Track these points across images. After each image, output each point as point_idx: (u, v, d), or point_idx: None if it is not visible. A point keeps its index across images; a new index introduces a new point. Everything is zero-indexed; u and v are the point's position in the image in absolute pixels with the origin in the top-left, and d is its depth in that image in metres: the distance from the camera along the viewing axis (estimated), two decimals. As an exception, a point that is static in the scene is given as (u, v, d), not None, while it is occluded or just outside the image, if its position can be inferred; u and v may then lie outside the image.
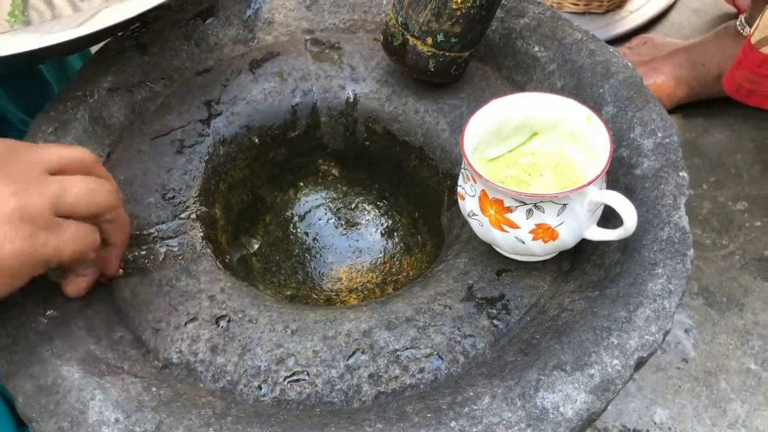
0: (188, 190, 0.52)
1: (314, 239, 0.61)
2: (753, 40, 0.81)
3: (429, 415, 0.38)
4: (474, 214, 0.43)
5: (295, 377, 0.41)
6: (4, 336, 0.42)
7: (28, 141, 0.52)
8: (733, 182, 0.92)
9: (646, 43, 1.05)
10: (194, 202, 0.51)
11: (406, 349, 0.42)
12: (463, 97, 0.56)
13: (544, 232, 0.42)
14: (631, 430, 0.72)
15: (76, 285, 0.44)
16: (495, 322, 0.43)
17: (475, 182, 0.42)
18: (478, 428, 0.37)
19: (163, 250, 0.48)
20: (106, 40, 0.59)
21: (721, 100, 0.96)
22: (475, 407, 0.38)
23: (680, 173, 0.46)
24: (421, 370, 0.41)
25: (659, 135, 0.48)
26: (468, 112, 0.53)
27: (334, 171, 0.63)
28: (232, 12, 0.61)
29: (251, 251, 0.58)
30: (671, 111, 0.99)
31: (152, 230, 0.49)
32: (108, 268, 0.45)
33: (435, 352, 0.42)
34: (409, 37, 0.52)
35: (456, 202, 0.47)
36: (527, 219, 0.41)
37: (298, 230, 0.61)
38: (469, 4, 0.49)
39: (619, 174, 0.48)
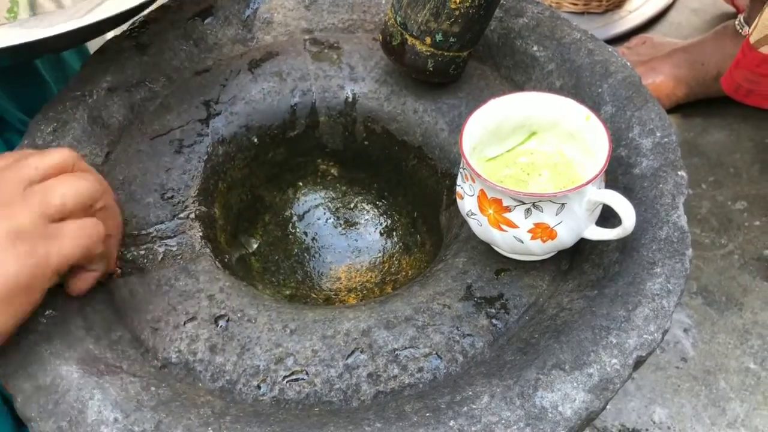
0: (187, 189, 0.52)
1: (313, 239, 0.61)
2: (752, 40, 0.81)
3: (428, 414, 0.38)
4: (473, 214, 0.43)
5: (294, 377, 0.41)
6: (3, 336, 0.42)
7: (27, 141, 0.52)
8: (732, 182, 0.92)
9: (645, 43, 1.05)
10: (193, 202, 0.51)
11: (405, 348, 0.42)
12: (462, 97, 0.56)
13: (542, 231, 0.42)
14: (630, 429, 0.72)
15: (83, 280, 0.43)
16: (494, 321, 0.43)
17: (474, 182, 0.42)
18: (477, 427, 0.37)
19: (161, 249, 0.48)
20: (106, 39, 0.59)
21: (720, 99, 0.96)
22: (474, 406, 0.38)
23: (679, 172, 0.46)
24: (420, 370, 0.41)
25: (658, 134, 0.48)
26: (467, 111, 0.53)
27: (333, 171, 0.63)
28: (231, 12, 0.61)
29: (250, 251, 0.58)
30: (670, 110, 0.99)
31: (151, 230, 0.49)
32: (108, 261, 0.45)
33: (434, 352, 0.42)
34: (407, 36, 0.52)
35: (455, 201, 0.47)
36: (526, 218, 0.41)
37: (297, 230, 0.61)
38: (467, 4, 0.50)
39: (617, 173, 0.48)
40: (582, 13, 1.13)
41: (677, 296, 0.41)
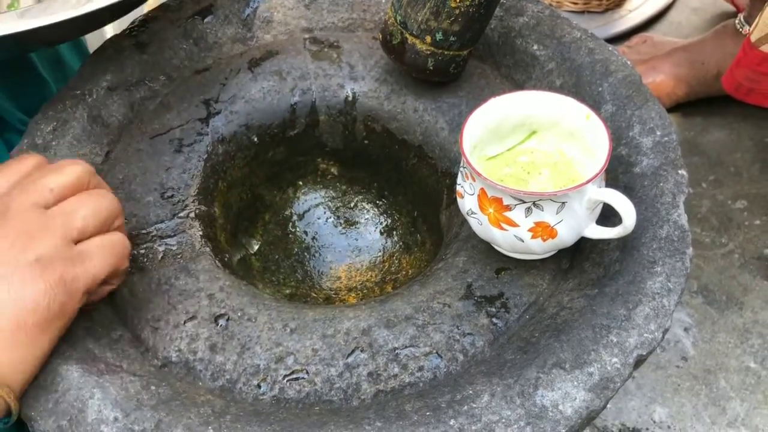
0: (187, 188, 0.52)
1: (313, 238, 0.61)
2: (752, 39, 0.81)
3: (428, 413, 0.38)
4: (473, 213, 0.43)
5: (294, 376, 0.41)
6: (3, 335, 0.42)
7: (27, 140, 0.52)
8: (732, 181, 0.92)
9: (645, 42, 1.05)
10: (193, 201, 0.51)
11: (405, 347, 0.42)
12: (462, 96, 0.56)
13: (543, 230, 0.42)
14: (631, 428, 0.72)
15: (98, 294, 0.43)
16: (494, 320, 0.43)
17: (474, 180, 0.42)
18: (477, 426, 0.37)
19: (161, 248, 0.48)
20: (106, 38, 0.59)
21: (720, 98, 0.96)
22: (475, 405, 0.38)
23: (679, 171, 0.46)
24: (420, 369, 0.41)
25: (658, 133, 0.48)
26: (467, 110, 0.53)
27: (333, 170, 0.63)
28: (231, 11, 0.61)
29: (251, 252, 0.58)
30: (670, 110, 0.99)
31: (151, 229, 0.49)
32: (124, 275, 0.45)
33: (434, 351, 0.42)
34: (407, 35, 0.52)
35: (455, 200, 0.47)
36: (526, 217, 0.41)
37: (297, 229, 0.61)
38: (467, 3, 0.49)
39: (618, 172, 0.48)
40: (582, 12, 1.13)
41: (678, 295, 0.41)
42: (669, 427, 0.72)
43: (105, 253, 0.40)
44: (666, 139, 0.48)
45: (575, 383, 0.38)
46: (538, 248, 0.43)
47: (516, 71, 0.57)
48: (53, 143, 0.52)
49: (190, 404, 0.39)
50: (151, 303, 0.45)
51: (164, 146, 0.54)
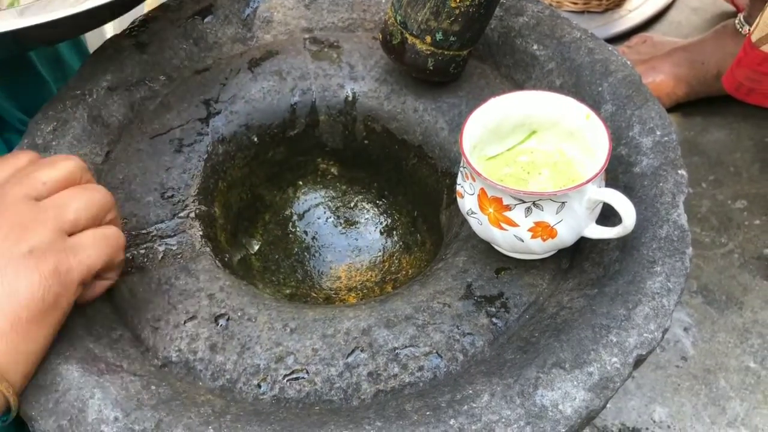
0: (187, 188, 0.52)
1: (313, 238, 0.61)
2: (753, 39, 0.81)
3: (428, 413, 0.38)
4: (473, 213, 0.43)
5: (294, 375, 0.41)
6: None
7: (27, 140, 0.52)
8: (732, 181, 0.92)
9: (645, 42, 1.05)
10: (193, 201, 0.51)
11: (405, 347, 0.42)
12: (462, 96, 0.56)
13: (543, 230, 0.42)
14: (631, 428, 0.72)
15: (95, 290, 0.43)
16: (494, 320, 0.43)
17: (474, 180, 0.42)
18: (477, 426, 0.37)
19: (162, 248, 0.48)
20: (106, 38, 0.59)
21: (720, 98, 0.96)
22: (474, 405, 0.38)
23: (679, 171, 0.46)
24: (420, 368, 0.41)
25: (658, 133, 0.48)
26: (467, 110, 0.53)
27: (333, 170, 0.63)
28: (231, 11, 0.61)
29: (252, 252, 0.58)
30: (670, 109, 1.00)
31: (151, 229, 0.49)
32: (119, 269, 0.45)
33: (434, 351, 0.42)
34: (407, 35, 0.52)
35: (455, 200, 0.47)
36: (526, 217, 0.41)
37: (298, 229, 0.61)
38: (467, 3, 0.49)
39: (618, 172, 0.48)
40: (582, 12, 1.13)
41: (677, 295, 0.41)
42: (669, 426, 0.72)
43: (98, 244, 0.40)
44: (666, 139, 0.48)
45: (575, 383, 0.38)
46: (538, 248, 0.43)
47: (516, 71, 0.57)
48: (53, 143, 0.52)
49: (190, 404, 0.39)
50: (151, 303, 0.45)
51: (164, 146, 0.54)
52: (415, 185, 0.59)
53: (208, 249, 0.49)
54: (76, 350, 0.41)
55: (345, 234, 0.62)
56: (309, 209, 0.62)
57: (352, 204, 0.63)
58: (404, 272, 0.58)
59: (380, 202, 0.63)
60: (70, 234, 0.40)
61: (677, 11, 1.16)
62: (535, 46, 0.55)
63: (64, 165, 0.41)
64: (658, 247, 0.43)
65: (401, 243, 0.61)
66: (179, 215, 0.50)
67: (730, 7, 1.11)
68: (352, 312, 0.44)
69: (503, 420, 0.37)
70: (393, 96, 0.57)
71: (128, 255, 0.48)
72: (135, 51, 0.58)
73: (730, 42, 0.94)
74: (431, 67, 0.53)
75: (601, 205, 0.43)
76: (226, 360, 0.42)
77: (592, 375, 0.38)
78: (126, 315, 0.45)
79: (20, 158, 0.43)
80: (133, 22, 0.60)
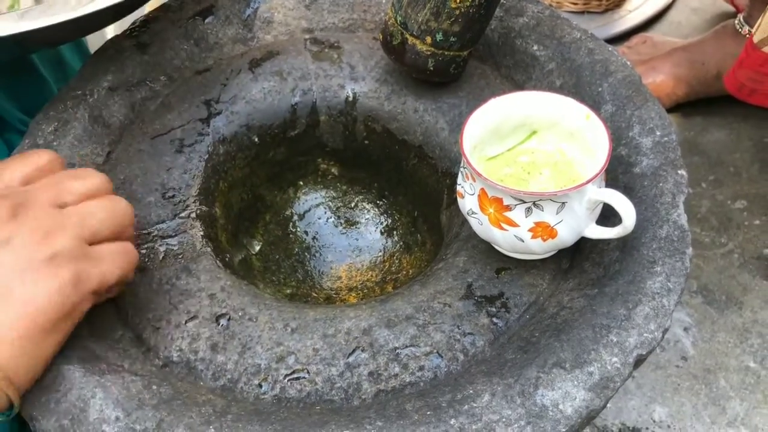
0: (188, 189, 0.52)
1: (314, 238, 0.61)
2: (755, 40, 0.81)
3: (429, 412, 0.38)
4: (473, 213, 0.43)
5: (295, 375, 0.41)
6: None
7: (28, 140, 0.52)
8: (732, 181, 0.92)
9: (645, 42, 1.05)
10: (194, 201, 0.51)
11: (406, 347, 0.42)
12: (462, 96, 0.56)
13: (543, 230, 0.42)
14: (631, 428, 0.73)
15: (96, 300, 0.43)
16: (494, 320, 0.43)
17: (475, 181, 0.42)
18: (478, 426, 0.37)
19: (163, 248, 0.48)
20: (107, 39, 0.59)
21: (720, 98, 0.96)
22: (475, 405, 0.38)
23: (679, 171, 0.46)
24: (421, 368, 0.41)
25: (658, 133, 0.48)
26: (467, 110, 0.53)
27: (333, 170, 0.63)
28: (232, 11, 0.61)
29: (253, 252, 0.58)
30: (670, 110, 1.00)
31: (152, 229, 0.49)
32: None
33: (435, 350, 0.42)
34: (408, 36, 0.52)
35: (455, 200, 0.47)
36: (526, 217, 0.41)
37: (298, 229, 0.62)
38: (468, 3, 0.50)
39: (618, 172, 0.48)
40: (582, 13, 1.13)
41: (677, 295, 0.41)
42: (669, 426, 0.72)
43: (116, 259, 0.40)
44: (666, 139, 0.48)
45: (575, 383, 0.38)
46: (538, 248, 0.43)
47: (516, 72, 0.57)
48: (54, 143, 0.52)
49: (191, 404, 0.39)
50: (152, 303, 0.45)
51: (165, 146, 0.54)
52: (415, 185, 0.59)
53: (209, 249, 0.49)
54: (78, 350, 0.41)
55: (345, 234, 0.62)
56: (309, 209, 0.62)
57: (352, 204, 0.63)
58: (405, 272, 0.59)
59: (381, 203, 0.63)
60: (91, 243, 0.39)
61: (677, 11, 1.16)
62: (535, 47, 0.55)
63: (92, 180, 0.42)
64: (658, 247, 0.43)
65: (402, 243, 0.61)
66: (180, 215, 0.50)
67: (730, 8, 1.11)
68: (352, 312, 0.44)
69: (504, 420, 0.37)
70: (393, 96, 0.57)
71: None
72: (136, 51, 0.58)
73: (730, 42, 0.94)
74: (431, 68, 0.53)
75: (601, 206, 0.43)
76: (227, 360, 0.42)
77: (592, 375, 0.38)
78: (127, 315, 0.45)
79: (42, 156, 0.42)
80: (134, 23, 0.60)
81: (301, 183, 0.63)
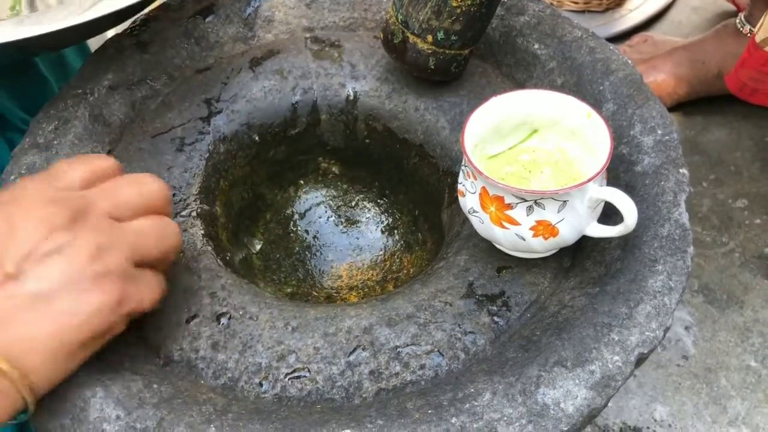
0: (189, 187, 0.52)
1: (314, 237, 0.61)
2: (758, 39, 0.81)
3: (430, 411, 0.38)
4: (474, 211, 0.43)
5: (295, 374, 0.41)
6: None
7: (28, 139, 0.52)
8: (732, 180, 0.92)
9: (646, 41, 1.05)
10: (195, 200, 0.51)
11: (407, 345, 0.42)
12: (464, 95, 0.56)
13: (544, 228, 0.42)
14: (632, 427, 0.72)
15: None
16: (495, 318, 0.43)
17: (476, 179, 0.42)
18: (479, 424, 0.37)
19: (163, 247, 0.48)
20: (107, 38, 0.59)
21: (721, 98, 0.96)
22: (476, 403, 0.38)
23: (680, 170, 0.46)
24: (422, 367, 0.41)
25: (659, 132, 0.48)
26: (468, 109, 0.53)
27: (334, 169, 0.63)
28: (232, 10, 0.61)
29: (254, 252, 0.58)
30: (671, 109, 1.00)
31: (153, 228, 0.49)
32: None
33: (436, 349, 0.42)
34: (409, 34, 0.52)
35: (456, 199, 0.47)
36: (527, 216, 0.41)
37: (299, 228, 0.61)
38: (469, 2, 0.50)
39: (619, 171, 0.48)
40: (583, 12, 1.13)
41: (679, 293, 0.41)
42: (670, 425, 0.72)
43: (154, 287, 0.39)
44: (667, 138, 0.48)
45: (577, 381, 0.38)
46: (540, 247, 0.43)
47: (517, 70, 0.57)
48: (55, 142, 0.52)
49: (192, 402, 0.39)
50: (152, 302, 0.45)
51: (166, 145, 0.54)
52: (416, 184, 0.59)
53: (209, 248, 0.49)
54: (78, 349, 0.41)
55: (346, 233, 0.62)
56: (310, 208, 0.62)
57: (353, 203, 0.63)
58: (405, 271, 0.59)
59: (381, 201, 0.63)
60: (136, 266, 0.39)
61: (678, 10, 1.16)
62: (536, 45, 0.55)
63: (149, 189, 0.41)
64: (660, 245, 0.43)
65: (402, 242, 0.61)
66: (181, 214, 0.50)
67: (731, 7, 1.11)
68: (353, 311, 0.44)
69: (505, 418, 0.37)
70: (394, 95, 0.57)
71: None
72: (136, 50, 0.58)
73: (731, 41, 0.94)
74: (432, 66, 0.53)
75: (602, 204, 0.43)
76: (227, 358, 0.42)
77: (593, 373, 0.38)
78: (128, 314, 0.45)
79: (103, 161, 0.41)
80: (134, 22, 0.60)
81: (302, 182, 0.62)
